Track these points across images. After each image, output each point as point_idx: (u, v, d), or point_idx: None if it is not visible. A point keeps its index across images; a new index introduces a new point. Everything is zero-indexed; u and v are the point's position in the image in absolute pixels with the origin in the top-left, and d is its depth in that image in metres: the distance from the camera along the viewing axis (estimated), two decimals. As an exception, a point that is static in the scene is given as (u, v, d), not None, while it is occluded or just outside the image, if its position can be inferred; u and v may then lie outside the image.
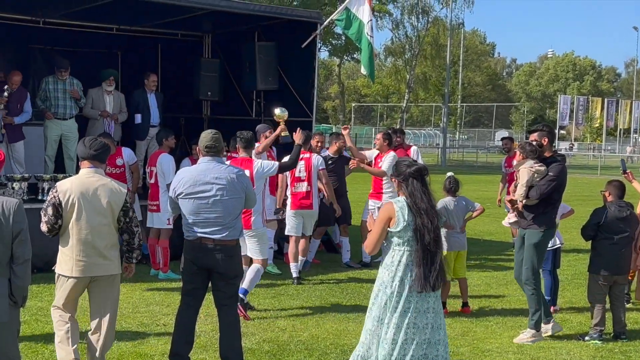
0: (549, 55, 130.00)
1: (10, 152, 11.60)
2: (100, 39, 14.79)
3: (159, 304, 8.92)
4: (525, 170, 7.78)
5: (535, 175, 7.78)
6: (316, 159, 10.73)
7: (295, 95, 13.74)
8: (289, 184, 10.68)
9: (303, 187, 10.61)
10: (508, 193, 8.76)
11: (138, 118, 13.09)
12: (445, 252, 8.94)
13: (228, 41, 15.11)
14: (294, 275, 10.41)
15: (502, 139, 14.05)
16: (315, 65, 13.82)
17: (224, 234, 6.36)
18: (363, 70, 14.37)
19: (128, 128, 13.39)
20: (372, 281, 5.84)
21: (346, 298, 9.61)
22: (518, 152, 8.08)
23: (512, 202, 8.03)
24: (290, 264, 10.52)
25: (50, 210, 5.77)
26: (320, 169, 10.75)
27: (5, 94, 11.29)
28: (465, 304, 9.11)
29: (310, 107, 13.64)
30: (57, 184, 6.00)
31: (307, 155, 10.55)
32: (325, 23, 14.40)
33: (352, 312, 8.80)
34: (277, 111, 9.93)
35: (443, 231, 8.88)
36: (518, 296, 9.98)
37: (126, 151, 11.13)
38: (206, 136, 6.58)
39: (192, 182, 6.39)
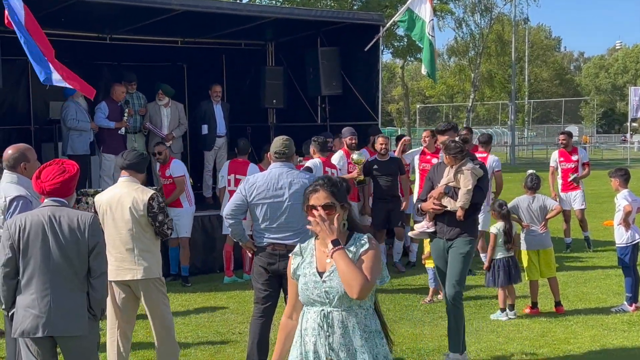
0: (617, 47, 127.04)
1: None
2: (166, 53, 15.07)
3: (234, 312, 8.99)
4: (469, 173, 7.02)
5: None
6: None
7: (360, 99, 13.71)
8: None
9: None
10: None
11: (205, 129, 13.22)
12: (524, 251, 8.88)
13: (291, 48, 15.18)
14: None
15: (561, 133, 13.63)
16: (379, 68, 13.78)
17: (296, 240, 6.34)
18: (423, 70, 14.20)
19: (195, 139, 13.56)
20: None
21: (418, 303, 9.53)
22: (442, 153, 7.32)
23: (432, 210, 7.10)
24: None
25: None
26: None
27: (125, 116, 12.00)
28: (558, 303, 8.92)
29: (375, 111, 13.59)
30: (97, 195, 6.63)
31: None
32: (387, 25, 14.32)
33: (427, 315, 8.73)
34: (355, 156, 10.11)
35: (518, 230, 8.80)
36: (597, 294, 9.76)
37: (174, 163, 10.88)
38: (277, 142, 6.61)
39: (265, 187, 6.41)
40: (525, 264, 8.92)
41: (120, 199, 6.28)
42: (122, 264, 6.25)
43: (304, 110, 14.90)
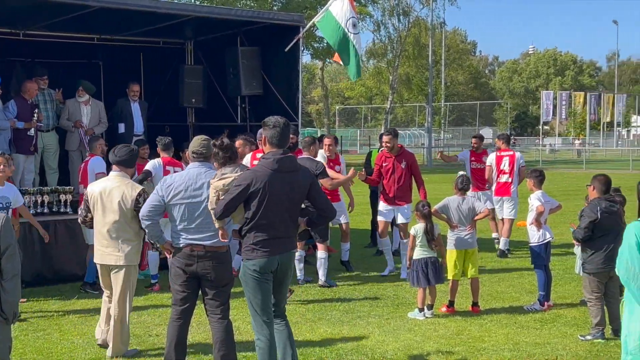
0: (530, 52, 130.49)
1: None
2: (82, 50, 14.66)
3: (150, 314, 8.82)
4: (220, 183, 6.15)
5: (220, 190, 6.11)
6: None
7: (280, 100, 13.67)
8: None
9: None
10: None
11: (121, 127, 13.00)
12: (450, 250, 9.00)
13: (211, 47, 15.03)
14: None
15: (473, 137, 14.31)
16: (299, 69, 13.75)
17: (214, 240, 6.28)
18: (346, 69, 14.08)
19: (112, 137, 13.29)
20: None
21: (338, 301, 9.55)
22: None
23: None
24: None
25: (83, 205, 7.31)
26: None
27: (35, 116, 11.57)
28: (475, 304, 9.07)
29: (295, 111, 13.57)
30: (89, 185, 7.66)
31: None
32: (307, 26, 14.32)
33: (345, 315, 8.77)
34: None
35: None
36: (511, 293, 9.98)
37: (94, 161, 10.34)
38: (196, 142, 6.53)
39: (183, 187, 6.31)
40: (449, 263, 9.06)
41: (111, 191, 7.06)
42: (106, 249, 7.06)
43: (224, 110, 14.76)
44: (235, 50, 13.68)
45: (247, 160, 10.03)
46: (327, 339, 7.79)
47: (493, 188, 13.30)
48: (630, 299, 5.15)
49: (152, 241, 6.65)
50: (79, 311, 8.93)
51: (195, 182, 6.33)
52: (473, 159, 13.65)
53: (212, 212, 6.09)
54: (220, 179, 6.13)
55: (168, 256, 6.64)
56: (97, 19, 12.54)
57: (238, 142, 10.35)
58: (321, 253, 10.34)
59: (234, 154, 6.54)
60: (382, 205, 11.21)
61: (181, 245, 6.32)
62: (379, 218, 11.34)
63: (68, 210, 10.51)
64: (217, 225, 6.15)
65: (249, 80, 13.61)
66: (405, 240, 10.66)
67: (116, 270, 7.09)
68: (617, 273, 5.26)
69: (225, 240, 6.29)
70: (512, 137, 14.82)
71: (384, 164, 11.02)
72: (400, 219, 11.04)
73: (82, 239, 10.15)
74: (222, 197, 6.01)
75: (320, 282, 10.33)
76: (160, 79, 15.21)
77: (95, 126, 12.62)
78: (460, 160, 14.13)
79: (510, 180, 13.26)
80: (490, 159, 13.52)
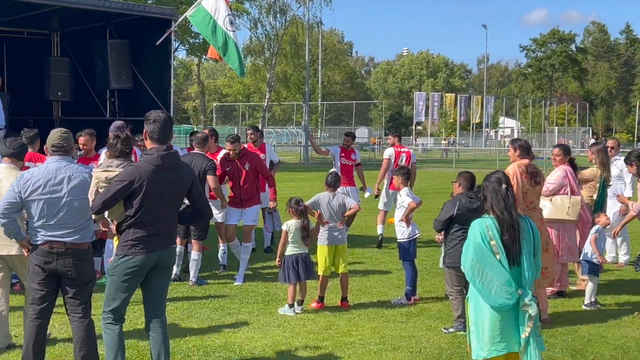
0: (404, 54, 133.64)
1: None
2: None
3: (10, 315, 8.44)
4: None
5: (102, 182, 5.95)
6: None
7: (151, 94, 13.42)
8: None
9: None
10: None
11: (-18, 120, 12.42)
12: (321, 245, 9.06)
13: (78, 39, 14.61)
14: None
15: (345, 134, 14.64)
16: (171, 63, 13.57)
17: (75, 237, 6.06)
18: (227, 60, 13.83)
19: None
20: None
21: (208, 299, 9.45)
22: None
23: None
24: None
25: None
26: None
27: None
28: (344, 299, 9.14)
29: (167, 106, 13.37)
30: None
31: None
32: (179, 20, 14.12)
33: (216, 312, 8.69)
34: None
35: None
36: (380, 288, 10.15)
37: None
38: (54, 135, 6.28)
39: (42, 182, 6.06)
40: (319, 258, 9.11)
41: (0, 183, 6.91)
42: (1, 240, 6.81)
43: (92, 103, 14.37)
44: (104, 42, 13.38)
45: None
46: (195, 337, 7.67)
47: (387, 182, 13.56)
48: (476, 294, 5.32)
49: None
50: None
51: (55, 176, 6.09)
52: (343, 155, 13.89)
53: (90, 202, 5.90)
54: (104, 170, 5.95)
55: (25, 253, 6.38)
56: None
57: (83, 139, 10.23)
58: (195, 254, 10.19)
59: (130, 150, 6.37)
60: (230, 209, 10.90)
61: (39, 243, 6.06)
62: (224, 221, 11.08)
63: None
64: (94, 217, 5.99)
65: (118, 74, 13.33)
66: (247, 244, 10.59)
67: (11, 260, 7.04)
68: (462, 270, 5.45)
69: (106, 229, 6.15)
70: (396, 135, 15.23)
71: (227, 169, 10.78)
72: (246, 221, 10.80)
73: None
74: (101, 190, 5.84)
75: (190, 283, 10.18)
76: (25, 71, 14.66)
77: None
78: (330, 154, 14.29)
79: None
80: (389, 152, 13.89)
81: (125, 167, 5.94)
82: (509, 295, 5.16)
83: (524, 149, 8.75)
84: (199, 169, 9.77)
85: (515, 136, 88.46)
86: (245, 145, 12.23)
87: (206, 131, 11.77)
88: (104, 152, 9.76)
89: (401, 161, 13.66)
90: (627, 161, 9.38)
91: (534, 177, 8.46)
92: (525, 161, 8.50)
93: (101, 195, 5.77)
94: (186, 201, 6.17)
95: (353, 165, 13.85)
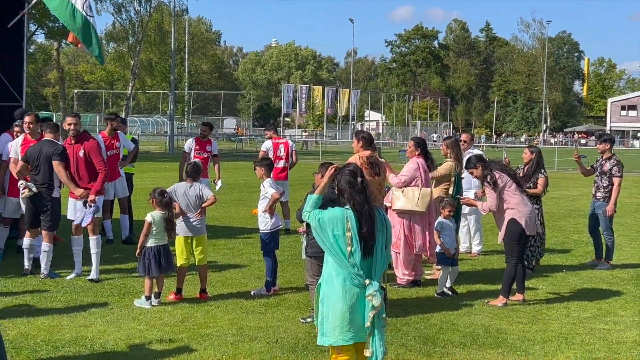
0: (272, 45, 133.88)
1: None
2: None
3: None
4: None
5: None
6: None
7: (3, 79, 12.84)
8: None
9: None
10: None
11: None
12: (179, 236, 8.94)
13: None
14: None
15: (203, 123, 14.87)
16: (24, 47, 13.06)
17: None
18: (90, 51, 13.36)
19: None
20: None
21: (60, 292, 9.15)
22: None
23: None
24: None
25: None
26: None
27: None
28: (203, 290, 9.07)
29: (20, 92, 12.90)
30: None
31: None
32: (33, 2, 13.55)
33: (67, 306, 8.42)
34: None
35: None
36: (240, 279, 10.15)
37: None
38: None
39: None
40: (177, 249, 8.99)
41: None
42: None
43: None
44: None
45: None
46: (44, 332, 7.40)
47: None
48: (329, 280, 5.36)
49: None
50: None
51: None
52: (197, 147, 13.94)
53: None
54: None
55: None
56: None
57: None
58: (45, 245, 9.80)
59: None
60: (70, 201, 10.14)
61: None
62: (69, 216, 10.26)
63: None
64: None
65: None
66: (94, 237, 9.88)
67: None
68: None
69: None
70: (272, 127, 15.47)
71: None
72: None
73: None
74: None
75: (42, 276, 9.81)
76: None
77: None
78: (186, 149, 14.16)
79: (287, 165, 14.04)
80: (267, 145, 14.00)
81: None
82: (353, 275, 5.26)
83: (367, 141, 9.02)
84: (46, 155, 9.51)
85: (380, 130, 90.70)
86: (99, 135, 11.93)
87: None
88: None
89: (280, 152, 13.78)
90: (470, 166, 9.39)
91: (374, 167, 8.69)
92: (367, 152, 8.72)
93: None
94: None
95: (209, 157, 13.87)
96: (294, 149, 14.38)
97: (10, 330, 7.43)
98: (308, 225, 8.37)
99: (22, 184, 9.80)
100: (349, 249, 5.27)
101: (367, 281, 5.27)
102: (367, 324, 5.26)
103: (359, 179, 5.49)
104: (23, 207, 10.24)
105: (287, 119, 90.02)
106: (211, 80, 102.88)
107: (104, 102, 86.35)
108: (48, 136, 9.92)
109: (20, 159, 10.11)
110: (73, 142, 9.98)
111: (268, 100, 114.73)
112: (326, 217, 5.35)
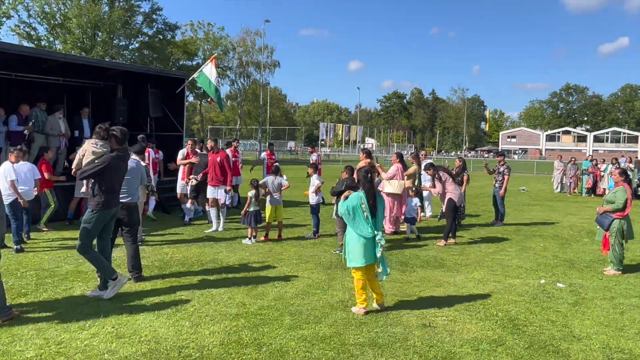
0: (314, 101, 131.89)
1: None
2: (52, 87, 13.03)
3: None
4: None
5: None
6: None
7: (172, 120, 13.16)
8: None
9: None
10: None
11: (76, 133, 11.83)
12: (270, 206, 8.58)
13: (132, 88, 14.02)
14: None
15: (269, 143, 13.79)
16: (184, 103, 13.32)
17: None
18: (216, 106, 13.61)
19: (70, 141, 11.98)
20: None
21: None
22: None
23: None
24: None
25: None
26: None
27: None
28: (279, 235, 8.74)
29: (181, 127, 13.14)
30: None
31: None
32: (189, 79, 13.87)
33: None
34: None
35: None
36: (300, 229, 9.87)
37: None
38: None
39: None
40: (267, 213, 8.59)
41: None
42: None
43: (138, 124, 13.84)
44: (147, 90, 12.95)
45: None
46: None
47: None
48: (350, 230, 5.27)
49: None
50: None
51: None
52: (268, 156, 12.64)
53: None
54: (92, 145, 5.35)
55: None
56: (62, 67, 11.29)
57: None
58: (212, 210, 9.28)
59: (109, 136, 5.53)
60: (209, 188, 9.29)
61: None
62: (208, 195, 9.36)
63: None
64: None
65: (154, 108, 12.96)
66: (222, 210, 9.20)
67: None
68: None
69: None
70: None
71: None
72: None
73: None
74: (84, 159, 5.22)
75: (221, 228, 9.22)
76: (100, 106, 13.97)
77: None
78: (261, 157, 12.75)
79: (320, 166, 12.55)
80: (313, 157, 13.53)
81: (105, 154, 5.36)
82: (368, 233, 5.22)
83: (367, 153, 8.88)
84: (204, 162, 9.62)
85: (373, 149, 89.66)
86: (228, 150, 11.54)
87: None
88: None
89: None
90: (426, 169, 9.25)
91: (372, 169, 8.57)
92: (368, 160, 8.63)
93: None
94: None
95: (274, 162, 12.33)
96: (321, 159, 13.49)
97: (178, 253, 7.45)
98: (337, 196, 8.26)
99: (192, 176, 10.07)
100: (365, 213, 5.26)
101: (375, 232, 5.23)
102: (378, 254, 5.20)
103: (369, 175, 5.50)
104: (187, 189, 10.23)
105: (322, 142, 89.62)
106: (281, 121, 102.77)
107: (224, 133, 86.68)
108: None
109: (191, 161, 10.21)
110: (214, 152, 9.73)
111: (312, 132, 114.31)
112: (349, 203, 5.29)
